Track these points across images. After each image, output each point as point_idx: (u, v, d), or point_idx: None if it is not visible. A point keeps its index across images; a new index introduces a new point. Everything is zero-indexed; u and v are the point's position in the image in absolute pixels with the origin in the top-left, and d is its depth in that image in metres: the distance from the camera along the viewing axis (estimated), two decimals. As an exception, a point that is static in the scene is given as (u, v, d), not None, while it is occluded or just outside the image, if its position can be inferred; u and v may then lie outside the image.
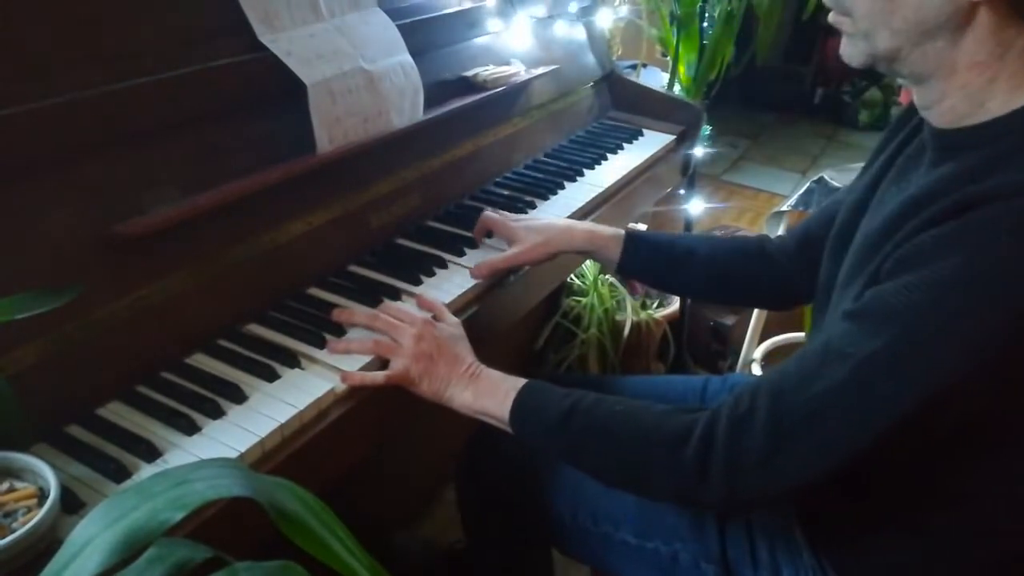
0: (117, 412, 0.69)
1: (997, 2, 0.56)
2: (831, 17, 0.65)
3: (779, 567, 0.77)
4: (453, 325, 0.83)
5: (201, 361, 0.76)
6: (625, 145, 1.35)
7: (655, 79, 1.97)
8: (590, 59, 1.43)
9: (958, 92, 0.60)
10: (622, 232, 0.95)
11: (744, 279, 0.95)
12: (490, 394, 0.75)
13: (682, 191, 1.66)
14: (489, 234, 1.01)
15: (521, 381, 0.76)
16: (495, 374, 0.78)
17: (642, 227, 1.94)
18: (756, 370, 1.65)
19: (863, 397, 0.58)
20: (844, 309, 0.61)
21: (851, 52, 0.64)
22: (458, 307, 0.90)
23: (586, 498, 0.85)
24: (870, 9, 0.60)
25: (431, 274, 0.93)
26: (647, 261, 0.95)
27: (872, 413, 0.58)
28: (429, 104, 1.02)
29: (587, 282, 1.72)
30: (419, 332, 0.78)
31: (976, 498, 0.65)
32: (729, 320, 1.86)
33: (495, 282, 0.95)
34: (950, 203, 0.56)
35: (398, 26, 0.99)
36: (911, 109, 0.72)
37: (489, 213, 0.99)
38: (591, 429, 0.69)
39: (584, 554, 0.89)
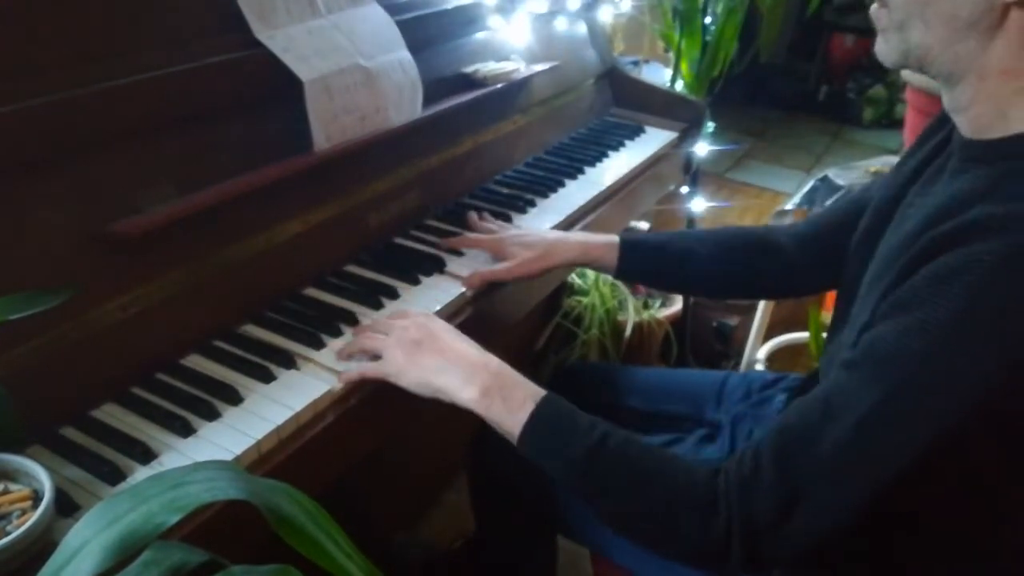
0: (112, 414, 0.69)
1: None
2: (872, 9, 0.64)
3: None
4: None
5: (196, 362, 0.76)
6: (627, 142, 1.34)
7: (657, 75, 1.96)
8: (591, 55, 1.42)
9: (985, 99, 0.60)
10: (615, 239, 0.93)
11: (745, 275, 0.94)
12: (501, 396, 0.69)
13: (685, 189, 1.66)
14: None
15: (540, 392, 0.69)
16: (509, 372, 0.70)
17: (644, 225, 1.93)
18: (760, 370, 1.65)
19: (870, 452, 0.57)
20: (842, 358, 0.60)
21: (885, 50, 0.64)
22: (458, 307, 0.89)
23: None
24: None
25: (429, 274, 0.93)
26: (645, 264, 0.94)
27: (880, 466, 0.57)
28: (428, 101, 1.02)
29: (588, 282, 1.72)
30: (409, 323, 0.74)
31: (996, 543, 0.64)
32: (732, 320, 1.86)
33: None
34: (945, 233, 0.55)
35: (396, 22, 0.99)
36: (945, 116, 0.71)
37: (473, 236, 0.97)
38: (618, 475, 0.65)
39: (583, 537, 0.91)
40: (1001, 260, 0.52)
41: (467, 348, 0.73)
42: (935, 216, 0.58)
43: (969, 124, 0.62)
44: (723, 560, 0.62)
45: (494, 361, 0.72)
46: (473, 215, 1.03)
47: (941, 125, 0.72)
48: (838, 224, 0.86)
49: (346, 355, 0.77)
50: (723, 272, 0.94)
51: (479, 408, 0.69)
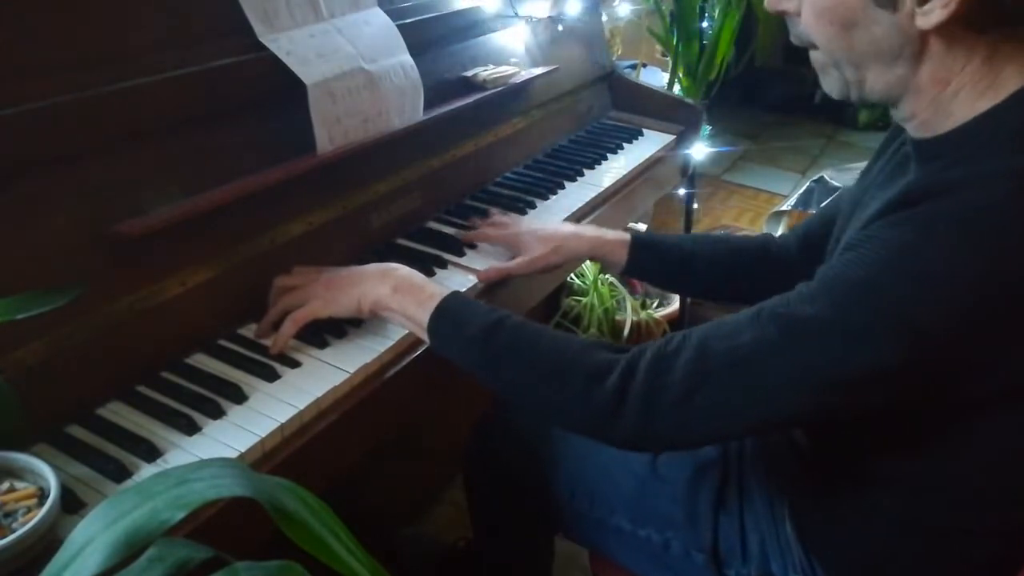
0: (117, 412, 0.69)
1: (946, 27, 0.57)
2: (811, 54, 0.67)
3: (768, 561, 0.78)
4: None
5: (201, 361, 0.76)
6: (625, 145, 1.35)
7: (655, 79, 1.97)
8: (590, 59, 1.43)
9: (927, 107, 0.62)
10: (627, 236, 0.96)
11: (746, 279, 0.96)
12: (411, 292, 0.75)
13: (682, 191, 1.66)
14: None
15: (448, 289, 0.75)
16: (418, 275, 0.78)
17: (642, 227, 1.94)
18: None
19: (786, 355, 0.59)
20: None
21: (829, 85, 0.67)
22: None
23: (585, 481, 0.86)
24: (828, 42, 0.63)
25: (431, 274, 0.93)
26: (653, 264, 0.96)
27: (792, 373, 0.59)
28: (429, 104, 1.02)
29: (587, 282, 1.73)
30: (318, 271, 0.80)
31: (963, 495, 0.66)
32: (729, 320, 1.86)
33: (495, 282, 0.95)
34: (903, 195, 0.58)
35: (398, 26, 0.99)
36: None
37: (489, 232, 0.98)
38: (515, 347, 0.69)
39: (581, 537, 0.91)
40: (947, 215, 0.55)
41: (375, 265, 0.81)
42: (893, 200, 0.60)
43: (917, 128, 0.65)
44: (611, 427, 0.64)
45: (403, 268, 0.79)
46: (477, 220, 1.03)
47: (899, 131, 0.74)
48: (816, 233, 0.88)
49: (269, 324, 0.79)
50: (726, 276, 0.96)
51: (392, 303, 0.75)
